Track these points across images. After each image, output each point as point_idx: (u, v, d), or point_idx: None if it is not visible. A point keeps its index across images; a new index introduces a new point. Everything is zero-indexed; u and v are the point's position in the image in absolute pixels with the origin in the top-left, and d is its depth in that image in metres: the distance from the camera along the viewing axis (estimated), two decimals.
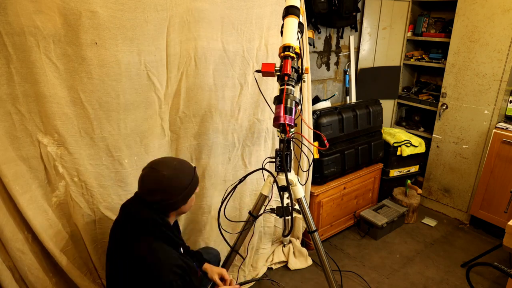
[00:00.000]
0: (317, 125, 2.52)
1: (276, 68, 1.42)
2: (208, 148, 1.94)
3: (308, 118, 2.37)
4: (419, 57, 3.32)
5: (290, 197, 1.49)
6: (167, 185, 1.30)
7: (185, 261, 1.35)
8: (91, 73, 1.43)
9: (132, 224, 1.31)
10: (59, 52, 1.36)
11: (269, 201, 1.77)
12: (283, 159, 1.51)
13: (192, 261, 1.47)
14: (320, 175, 2.61)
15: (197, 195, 1.99)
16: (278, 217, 1.62)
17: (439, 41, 3.08)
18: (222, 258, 1.99)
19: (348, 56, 3.14)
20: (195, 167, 1.44)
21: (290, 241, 2.61)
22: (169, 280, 1.21)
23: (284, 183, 1.63)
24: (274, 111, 1.38)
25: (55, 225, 1.54)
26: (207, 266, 1.69)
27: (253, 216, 1.80)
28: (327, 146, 1.97)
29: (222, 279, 1.66)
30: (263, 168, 1.55)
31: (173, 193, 1.31)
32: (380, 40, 3.23)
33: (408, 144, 3.04)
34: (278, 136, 1.53)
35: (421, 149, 3.11)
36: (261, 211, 1.79)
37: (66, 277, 1.64)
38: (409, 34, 3.29)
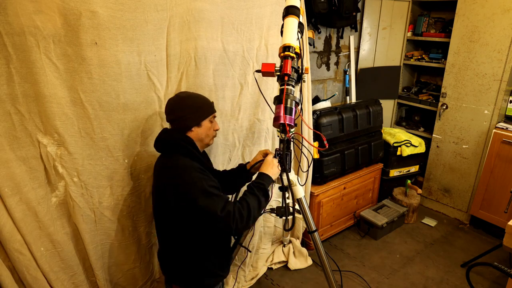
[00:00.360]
0: (317, 125, 2.52)
1: (276, 68, 1.42)
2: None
3: (308, 118, 2.37)
4: (419, 57, 3.32)
5: (292, 197, 1.49)
6: (182, 103, 1.46)
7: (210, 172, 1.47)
8: (91, 73, 1.42)
9: (162, 147, 1.47)
10: (59, 52, 1.36)
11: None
12: (283, 159, 1.51)
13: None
14: (320, 175, 2.61)
15: None
16: (278, 217, 1.61)
17: (439, 41, 3.08)
18: None
19: (348, 56, 3.14)
20: (212, 102, 1.55)
21: (290, 241, 2.61)
22: (194, 175, 1.34)
23: (284, 183, 1.63)
24: (274, 111, 1.38)
25: (45, 227, 1.52)
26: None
27: None
28: (327, 147, 1.97)
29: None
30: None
31: (185, 110, 1.45)
32: (380, 40, 3.23)
33: (408, 144, 3.04)
34: (278, 136, 1.53)
35: (421, 149, 3.11)
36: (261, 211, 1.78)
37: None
38: (409, 34, 3.29)
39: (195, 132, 1.47)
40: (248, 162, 1.71)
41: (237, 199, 1.43)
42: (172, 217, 1.41)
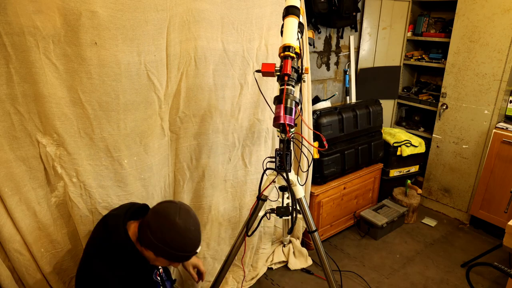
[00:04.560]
0: (317, 125, 2.52)
1: (276, 68, 1.42)
2: (208, 148, 1.94)
3: (308, 118, 2.37)
4: (419, 57, 3.32)
5: (292, 197, 1.49)
6: (171, 231, 1.23)
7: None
8: (90, 73, 1.42)
9: (105, 241, 1.27)
10: (58, 52, 1.36)
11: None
12: (283, 159, 1.51)
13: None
14: (320, 175, 2.60)
15: (197, 195, 1.99)
16: (278, 217, 1.62)
17: (439, 41, 3.08)
18: (222, 259, 1.99)
19: (348, 56, 3.14)
20: (193, 253, 1.33)
21: (290, 241, 2.61)
22: None
23: (283, 183, 1.62)
24: (274, 111, 1.38)
25: (44, 228, 1.51)
26: None
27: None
28: (326, 147, 1.97)
29: (198, 272, 1.62)
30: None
31: (162, 239, 1.23)
32: (380, 40, 3.23)
33: (408, 144, 3.04)
34: (278, 136, 1.53)
35: (421, 149, 3.11)
36: (261, 212, 1.78)
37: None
38: (409, 34, 3.29)
39: (145, 252, 1.27)
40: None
41: None
42: None
